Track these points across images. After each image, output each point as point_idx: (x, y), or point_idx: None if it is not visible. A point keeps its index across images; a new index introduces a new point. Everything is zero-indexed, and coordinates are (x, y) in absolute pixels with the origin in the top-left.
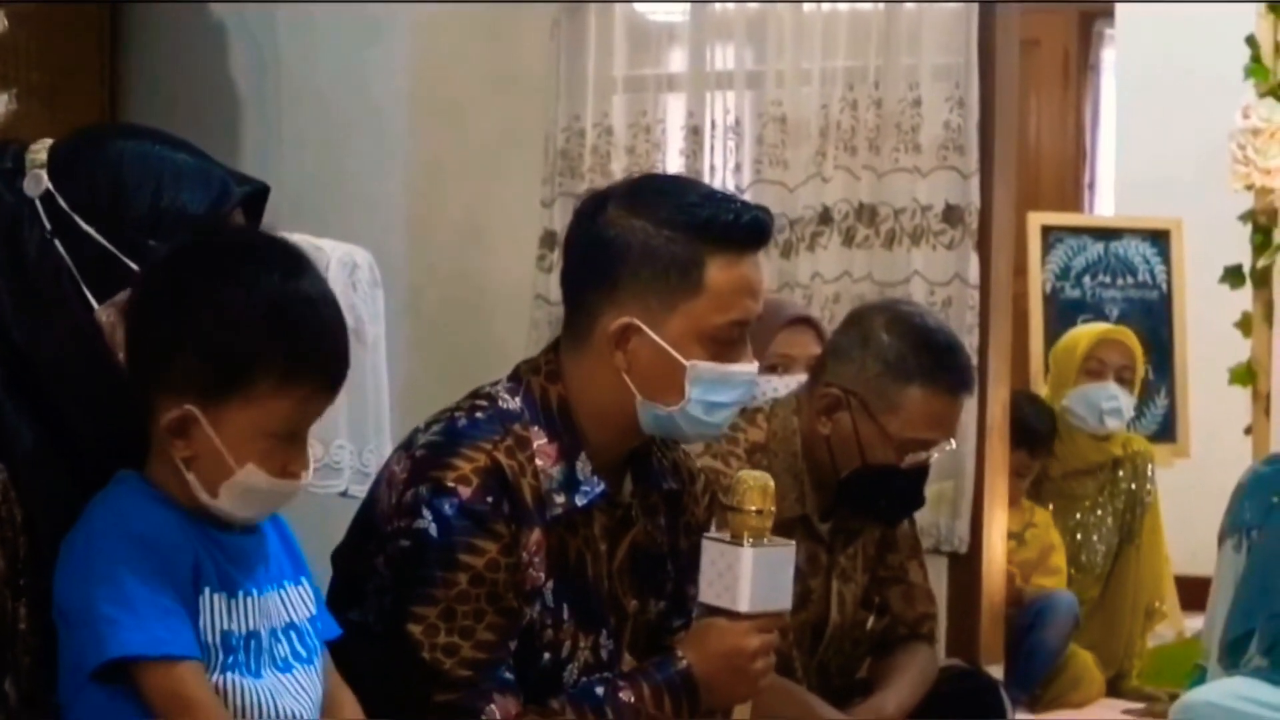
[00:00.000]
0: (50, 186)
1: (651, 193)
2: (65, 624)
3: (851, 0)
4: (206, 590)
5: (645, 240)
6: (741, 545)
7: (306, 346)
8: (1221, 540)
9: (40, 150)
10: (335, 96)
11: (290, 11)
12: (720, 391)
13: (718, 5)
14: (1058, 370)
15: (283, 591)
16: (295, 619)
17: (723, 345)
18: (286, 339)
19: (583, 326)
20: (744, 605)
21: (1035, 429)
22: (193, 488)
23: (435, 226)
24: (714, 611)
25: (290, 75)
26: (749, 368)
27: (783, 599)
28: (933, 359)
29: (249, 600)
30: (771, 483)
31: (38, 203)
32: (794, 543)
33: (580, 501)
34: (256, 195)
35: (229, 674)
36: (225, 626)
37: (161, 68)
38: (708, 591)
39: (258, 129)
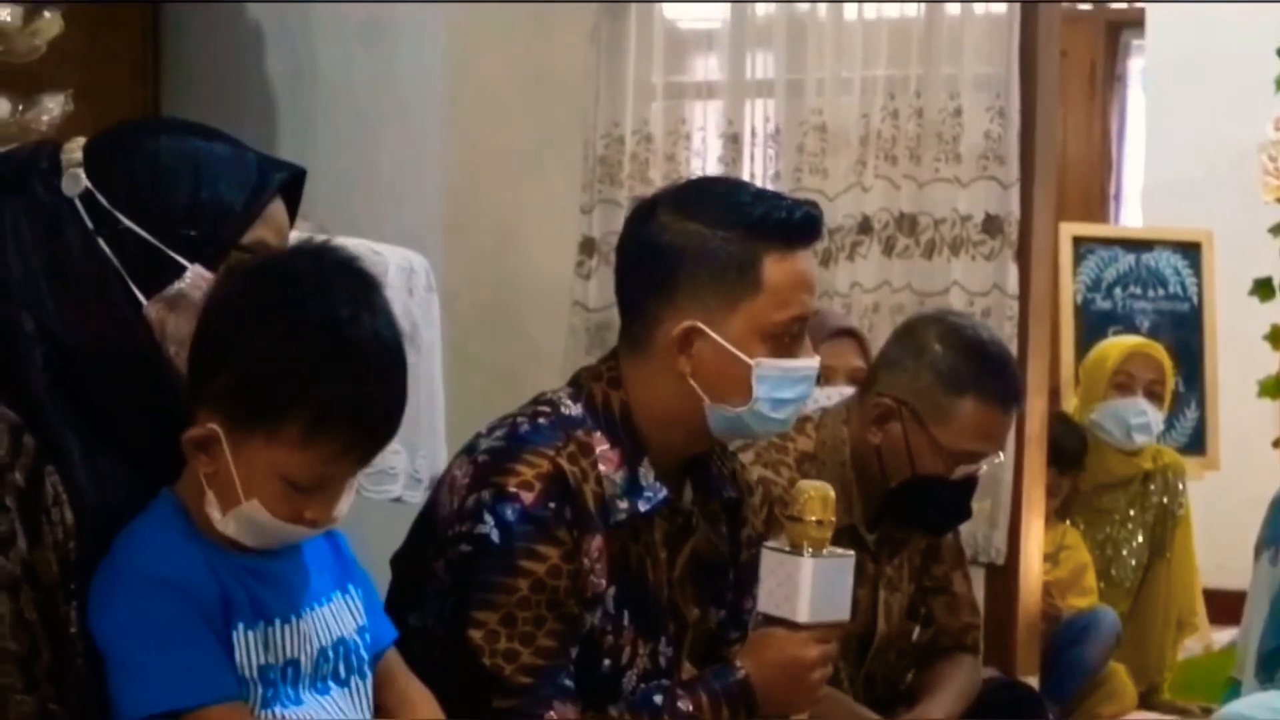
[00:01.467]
0: (89, 184)
1: (702, 195)
2: (105, 661)
3: (895, 0)
4: (240, 626)
5: (700, 242)
6: (801, 555)
7: (348, 405)
8: (1258, 553)
9: (75, 149)
10: (370, 97)
11: (326, 11)
12: (786, 388)
13: (758, 10)
14: (1087, 384)
15: (329, 606)
16: (345, 633)
17: (784, 342)
18: (328, 389)
19: (642, 333)
20: (803, 615)
21: (1065, 448)
22: (208, 505)
23: (471, 230)
24: (773, 621)
25: (326, 76)
26: (812, 362)
27: (842, 610)
28: (986, 371)
29: (286, 628)
30: (832, 493)
31: (77, 202)
32: (853, 554)
33: (643, 507)
34: (294, 180)
35: (269, 710)
36: (262, 661)
37: (199, 68)
38: (767, 601)
39: (293, 129)
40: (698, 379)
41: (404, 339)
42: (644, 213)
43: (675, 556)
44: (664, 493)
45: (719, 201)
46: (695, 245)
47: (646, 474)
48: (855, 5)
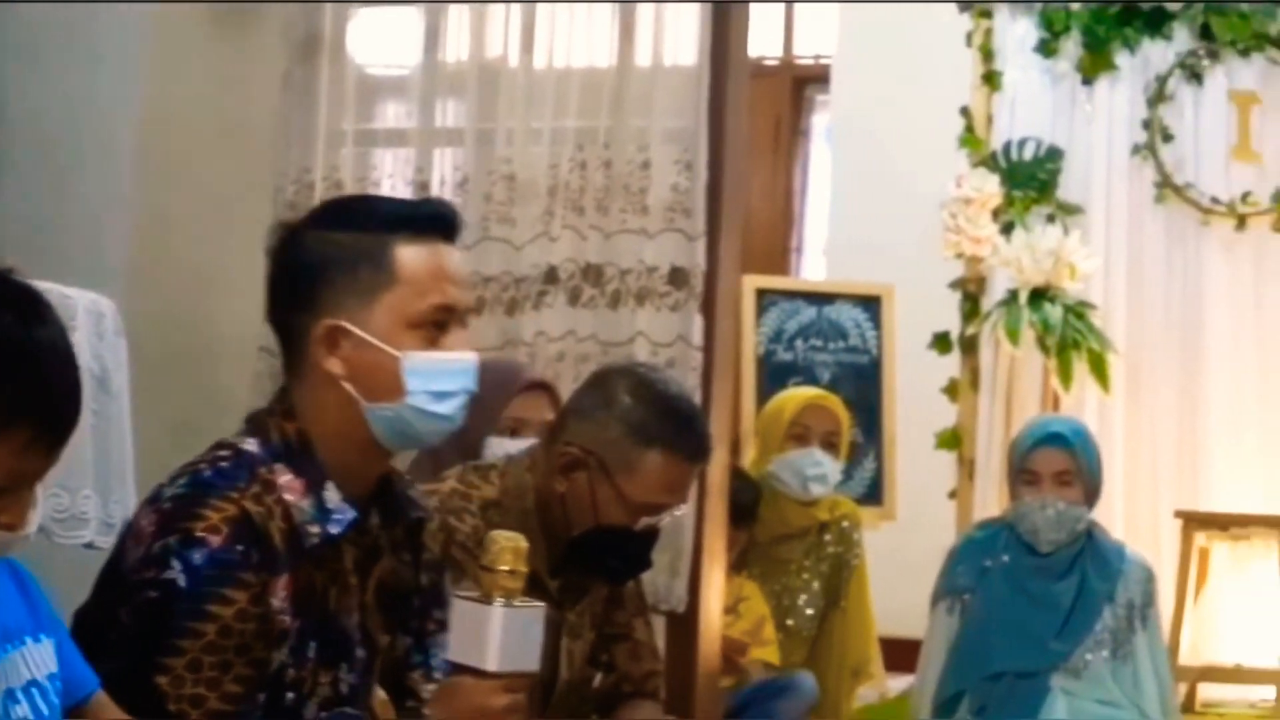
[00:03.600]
0: None
1: (335, 207)
2: None
3: (585, 51)
4: None
5: (334, 248)
6: (492, 604)
7: (30, 396)
8: (934, 603)
9: None
10: (61, 140)
11: (14, 49)
12: (441, 380)
13: (449, 58)
14: (764, 435)
15: (22, 650)
16: (37, 676)
17: (433, 333)
18: (9, 384)
19: (298, 354)
20: (492, 664)
21: (738, 502)
22: None
23: (161, 274)
24: (462, 670)
25: (14, 115)
26: (467, 354)
27: (531, 660)
28: (674, 425)
29: None
30: (524, 543)
31: None
32: (543, 605)
33: (334, 529)
34: None
35: None
36: None
37: None
38: (457, 649)
39: None
40: (351, 380)
41: (76, 355)
42: (284, 237)
43: (366, 581)
44: (353, 514)
45: (350, 209)
46: (330, 252)
47: (333, 497)
48: (546, 54)
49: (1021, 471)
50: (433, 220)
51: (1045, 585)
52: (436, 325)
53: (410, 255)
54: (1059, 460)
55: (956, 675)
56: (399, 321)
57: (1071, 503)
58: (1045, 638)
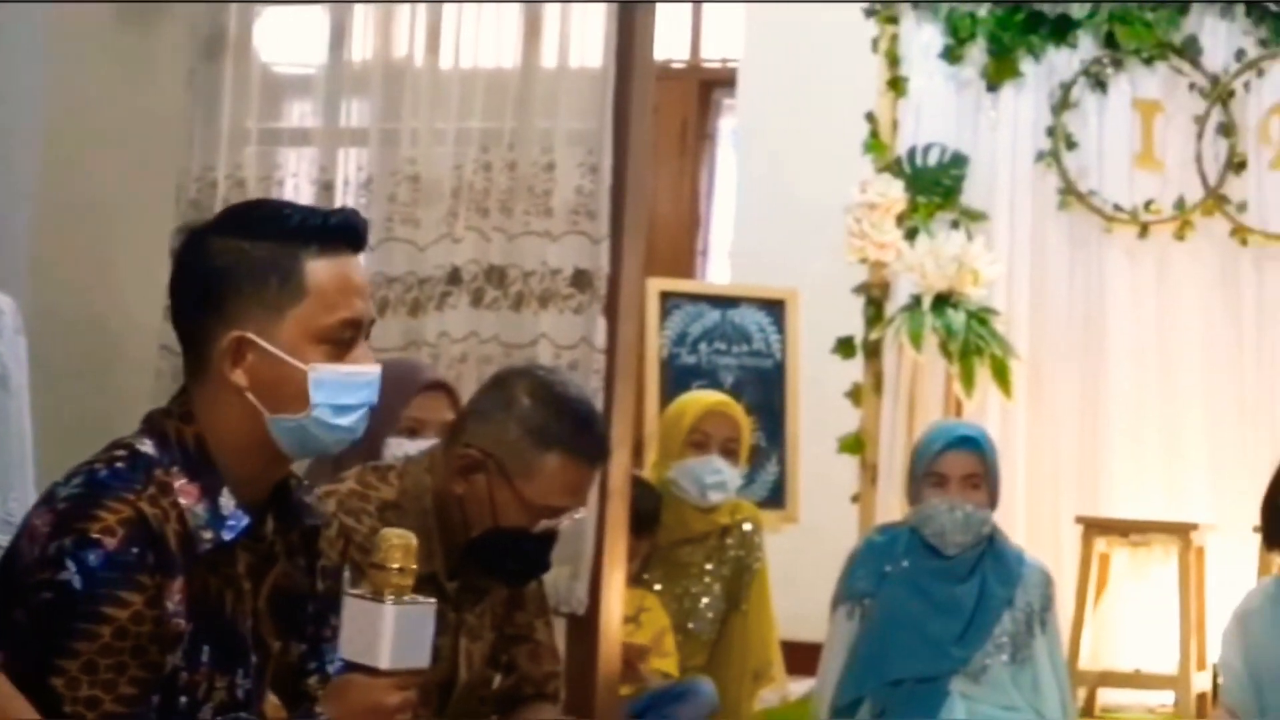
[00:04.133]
0: None
1: (243, 214)
2: None
3: (491, 52)
4: None
5: (243, 257)
6: (383, 602)
7: None
8: (834, 607)
9: None
10: None
11: None
12: (346, 393)
13: (355, 56)
14: (664, 441)
15: None
16: None
17: (338, 346)
18: None
19: (201, 359)
20: (384, 662)
21: (640, 509)
22: None
23: (62, 271)
24: (354, 667)
25: None
26: (370, 368)
27: (422, 657)
28: (573, 428)
29: None
30: (414, 541)
31: None
32: (435, 601)
33: (227, 536)
34: None
35: None
36: None
37: None
38: (348, 647)
39: None
40: (255, 392)
41: None
42: (190, 241)
43: (259, 587)
44: (246, 520)
45: (259, 217)
46: (239, 260)
47: (227, 504)
48: (452, 55)
49: (929, 474)
50: (343, 233)
51: (946, 589)
52: (343, 339)
53: (320, 269)
54: (968, 463)
55: (857, 681)
56: (306, 335)
57: (978, 505)
58: (945, 642)
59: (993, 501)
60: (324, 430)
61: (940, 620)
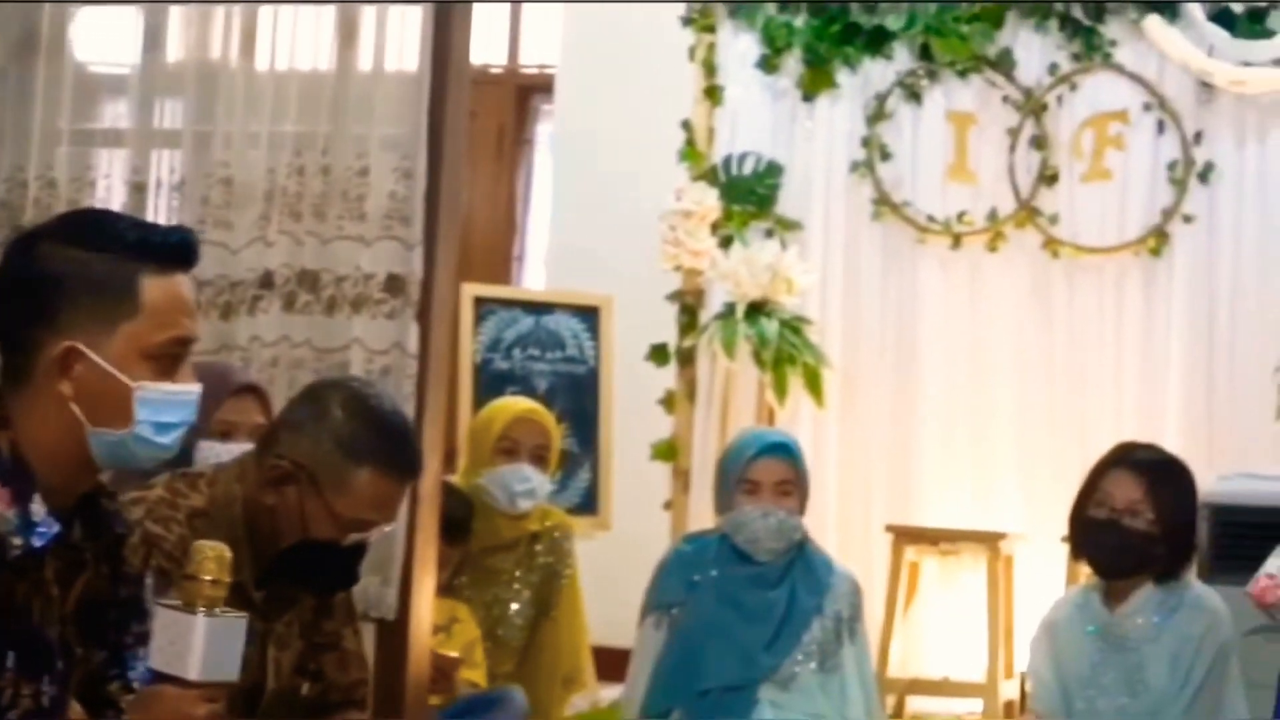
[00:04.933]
0: None
1: (82, 223)
2: None
3: (305, 55)
4: None
5: (79, 268)
6: (195, 614)
7: None
8: (643, 616)
9: None
10: None
11: None
12: (168, 412)
13: (169, 57)
14: (473, 448)
15: None
16: None
17: (165, 364)
18: None
19: (25, 365)
20: (194, 673)
21: (451, 518)
22: None
23: None
24: (163, 678)
25: None
26: (194, 387)
27: (232, 669)
28: (386, 444)
29: None
30: (229, 553)
31: None
32: (246, 615)
33: (37, 543)
34: None
35: None
36: None
37: None
38: (158, 657)
39: None
40: (79, 403)
41: None
42: (23, 245)
43: (67, 594)
44: (57, 528)
45: (97, 227)
46: (74, 270)
47: (38, 510)
48: (268, 57)
49: (741, 480)
50: (180, 251)
51: (756, 596)
52: (171, 356)
53: (155, 287)
54: (780, 470)
55: (666, 691)
56: (136, 351)
57: (790, 512)
58: (755, 650)
59: (802, 509)
60: (143, 447)
61: (750, 628)
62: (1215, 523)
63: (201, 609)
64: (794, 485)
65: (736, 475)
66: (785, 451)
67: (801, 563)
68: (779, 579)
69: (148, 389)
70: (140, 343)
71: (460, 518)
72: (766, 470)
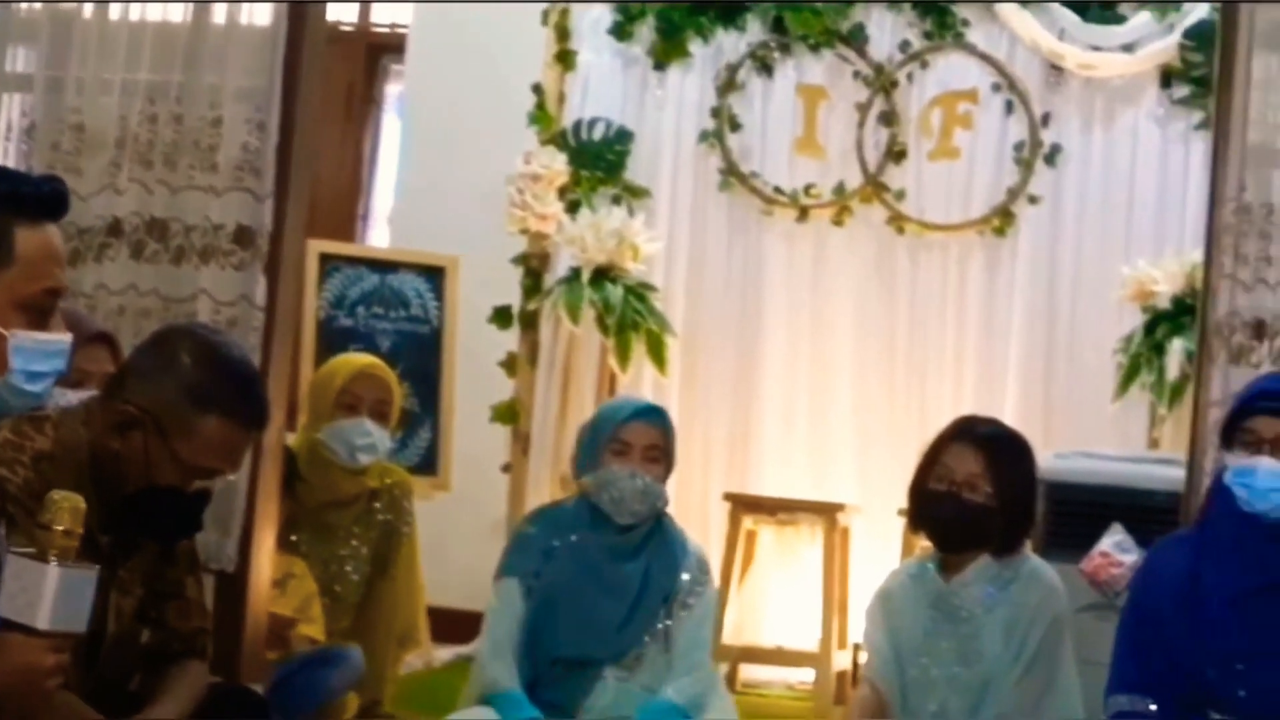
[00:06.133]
0: None
1: None
2: None
3: (161, 2)
4: None
5: None
6: (47, 563)
7: None
8: (497, 578)
9: None
10: None
11: None
12: (40, 360)
13: (21, 6)
14: (314, 402)
15: None
16: None
17: (37, 314)
18: None
19: None
20: (43, 623)
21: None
22: None
23: None
24: (11, 626)
25: None
26: (65, 336)
27: (81, 620)
28: (233, 391)
29: None
30: (83, 504)
31: None
32: (98, 567)
33: None
34: None
35: None
36: None
37: None
38: (8, 605)
39: None
40: None
41: None
42: None
43: None
44: None
45: None
46: None
47: None
48: (122, 6)
49: (613, 440)
50: (50, 202)
51: (614, 568)
52: (43, 308)
53: (29, 238)
54: (652, 434)
55: (524, 661)
56: (9, 301)
57: (656, 478)
58: (608, 629)
59: (665, 479)
60: (14, 395)
61: (605, 602)
62: (1051, 501)
63: (54, 559)
64: (661, 453)
65: (608, 435)
66: (658, 417)
67: (658, 537)
68: (636, 552)
69: (21, 338)
70: (14, 293)
71: (285, 472)
72: (638, 433)
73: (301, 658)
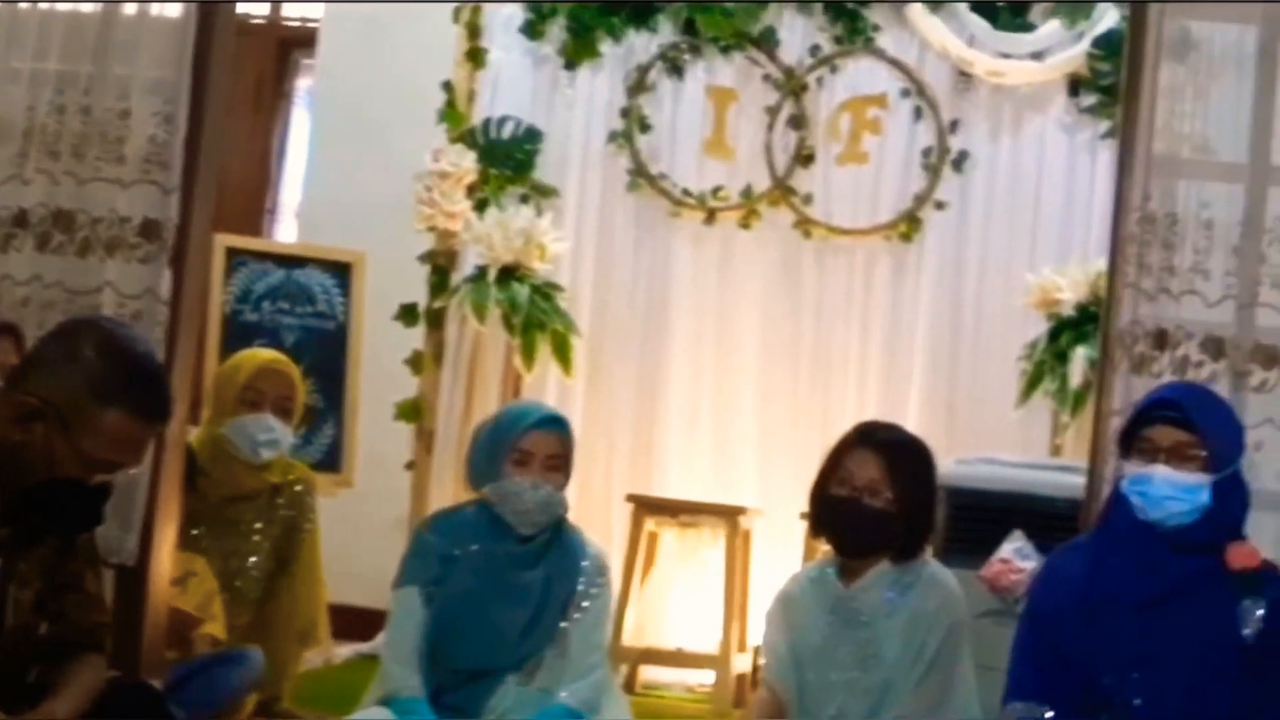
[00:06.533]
0: None
1: None
2: None
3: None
4: None
5: None
6: None
7: None
8: (396, 586)
9: None
10: None
11: None
12: None
13: None
14: (218, 397)
15: None
16: None
17: None
18: None
19: None
20: None
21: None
22: None
23: None
24: None
25: None
26: None
27: None
28: (137, 385)
29: None
30: None
31: None
32: (1, 560)
33: None
34: None
35: None
36: None
37: None
38: None
39: None
40: None
41: None
42: None
43: None
44: None
45: None
46: None
47: None
48: None
49: (513, 450)
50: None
51: (515, 576)
52: None
53: None
54: (553, 444)
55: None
56: None
57: (558, 486)
58: (509, 637)
59: (564, 486)
60: None
61: (506, 610)
62: (951, 506)
63: None
64: (562, 461)
65: (509, 444)
66: (559, 426)
67: (558, 544)
68: (536, 560)
69: None
70: None
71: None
72: (540, 443)
73: (203, 657)
